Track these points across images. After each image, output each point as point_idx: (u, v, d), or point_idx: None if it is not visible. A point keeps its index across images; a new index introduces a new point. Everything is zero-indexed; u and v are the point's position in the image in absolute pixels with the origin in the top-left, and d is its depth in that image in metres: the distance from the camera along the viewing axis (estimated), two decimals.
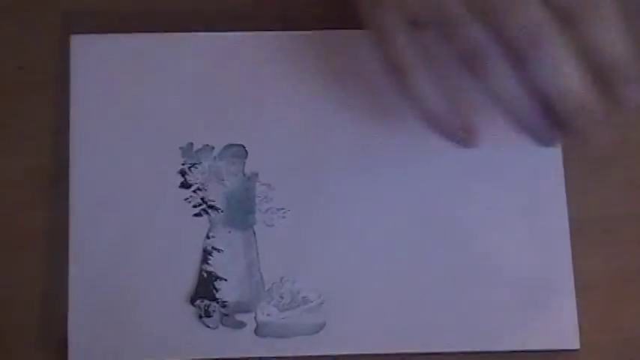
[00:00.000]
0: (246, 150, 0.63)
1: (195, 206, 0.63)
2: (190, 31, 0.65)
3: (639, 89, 0.50)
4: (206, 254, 0.62)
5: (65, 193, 0.62)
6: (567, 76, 0.49)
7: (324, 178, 0.63)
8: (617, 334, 0.63)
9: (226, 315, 0.61)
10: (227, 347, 0.61)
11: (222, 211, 0.63)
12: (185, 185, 0.63)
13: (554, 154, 0.64)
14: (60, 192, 0.63)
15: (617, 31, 0.49)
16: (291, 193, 0.63)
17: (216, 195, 0.63)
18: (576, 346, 0.61)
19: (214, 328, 0.61)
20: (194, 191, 0.63)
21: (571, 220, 0.63)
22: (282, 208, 0.63)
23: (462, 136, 0.56)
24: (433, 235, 0.63)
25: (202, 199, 0.63)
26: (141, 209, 0.62)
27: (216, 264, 0.62)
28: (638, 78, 0.49)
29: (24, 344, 0.62)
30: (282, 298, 0.62)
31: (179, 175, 0.63)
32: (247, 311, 0.61)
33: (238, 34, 0.65)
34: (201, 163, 0.63)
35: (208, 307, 0.61)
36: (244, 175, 0.63)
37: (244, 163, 0.63)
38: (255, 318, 0.61)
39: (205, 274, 0.62)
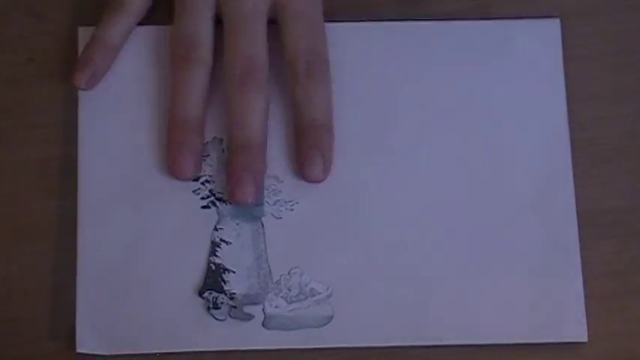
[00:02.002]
0: None
1: (203, 198, 0.63)
2: None
3: None
4: (214, 246, 0.62)
5: (74, 185, 0.63)
6: None
7: (332, 170, 0.63)
8: (626, 326, 0.63)
9: (234, 307, 0.61)
10: (235, 339, 0.61)
11: (230, 203, 0.63)
12: (194, 177, 0.63)
13: (562, 147, 0.64)
14: (69, 183, 0.63)
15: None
16: (300, 186, 0.63)
17: (224, 187, 0.63)
18: (584, 338, 0.61)
19: (222, 320, 0.61)
20: (202, 183, 0.63)
21: (579, 212, 0.63)
22: (291, 201, 0.63)
23: None
24: (442, 228, 0.62)
25: (210, 191, 0.63)
26: (149, 201, 0.62)
27: (224, 256, 0.62)
28: None
29: (34, 334, 0.62)
30: (290, 290, 0.62)
31: None
32: (255, 303, 0.61)
33: None
34: (209, 155, 0.63)
35: (216, 299, 0.61)
36: None
37: None
38: (263, 310, 0.61)
39: (213, 267, 0.62)
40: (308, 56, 0.62)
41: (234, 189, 0.61)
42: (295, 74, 0.62)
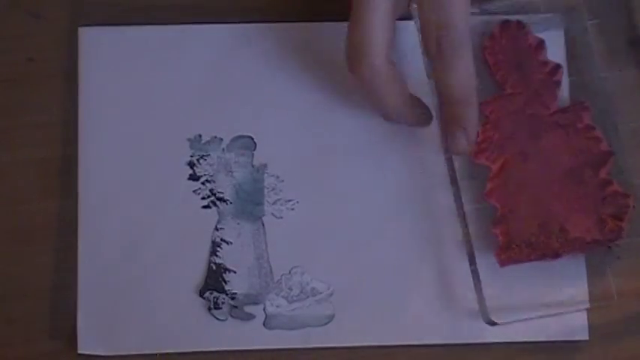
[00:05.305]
0: (254, 141, 0.63)
1: (203, 198, 0.63)
2: (199, 23, 0.65)
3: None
4: (215, 246, 0.62)
5: (74, 185, 0.63)
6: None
7: (333, 170, 0.63)
8: (626, 326, 0.62)
9: (235, 307, 0.61)
10: (236, 339, 0.61)
11: (231, 203, 0.63)
12: (194, 177, 0.63)
13: None
14: (69, 183, 0.63)
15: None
16: (300, 185, 0.63)
17: (224, 187, 0.63)
18: (585, 337, 0.61)
19: (223, 320, 0.61)
20: (203, 183, 0.63)
21: None
22: (291, 200, 0.63)
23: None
24: (443, 227, 0.62)
25: (211, 190, 0.63)
26: (149, 201, 0.62)
27: (225, 256, 0.62)
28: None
29: (35, 334, 0.62)
30: (291, 289, 0.62)
31: (187, 167, 0.63)
32: (256, 303, 0.61)
33: (247, 25, 0.65)
34: (209, 154, 0.63)
35: (217, 299, 0.61)
36: (253, 166, 0.63)
37: (253, 154, 0.63)
38: (264, 310, 0.61)
39: (214, 266, 0.62)
40: (438, 31, 0.57)
41: (449, 142, 0.60)
42: (428, 51, 0.59)
